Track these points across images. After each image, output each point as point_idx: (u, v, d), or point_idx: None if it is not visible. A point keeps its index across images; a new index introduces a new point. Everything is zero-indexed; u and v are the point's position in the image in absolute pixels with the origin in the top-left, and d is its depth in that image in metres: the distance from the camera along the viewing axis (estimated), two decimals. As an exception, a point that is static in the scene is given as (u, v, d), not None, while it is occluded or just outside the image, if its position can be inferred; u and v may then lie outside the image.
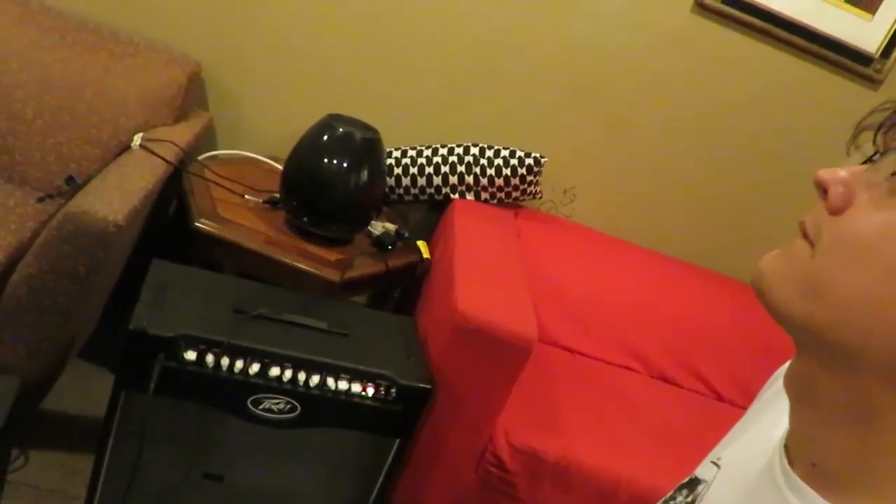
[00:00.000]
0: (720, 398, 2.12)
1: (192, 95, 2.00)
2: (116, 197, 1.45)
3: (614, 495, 1.61)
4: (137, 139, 1.73)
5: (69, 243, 1.38)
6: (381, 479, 1.52)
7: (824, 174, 0.45)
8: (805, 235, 0.46)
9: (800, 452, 0.48)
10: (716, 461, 0.59)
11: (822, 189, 0.45)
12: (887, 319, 0.41)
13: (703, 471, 0.60)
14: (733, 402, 2.11)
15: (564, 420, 1.73)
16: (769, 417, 0.57)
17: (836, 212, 0.44)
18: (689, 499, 0.58)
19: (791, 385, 0.49)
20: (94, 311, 1.68)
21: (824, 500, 0.45)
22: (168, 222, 1.99)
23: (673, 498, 0.60)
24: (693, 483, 0.59)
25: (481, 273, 1.66)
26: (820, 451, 0.46)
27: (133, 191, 1.51)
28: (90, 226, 1.36)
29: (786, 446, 0.50)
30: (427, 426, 1.54)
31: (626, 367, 2.09)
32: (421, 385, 1.43)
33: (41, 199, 1.69)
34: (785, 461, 0.48)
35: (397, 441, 1.48)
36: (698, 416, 1.97)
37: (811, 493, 0.46)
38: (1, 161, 1.78)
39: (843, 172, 0.45)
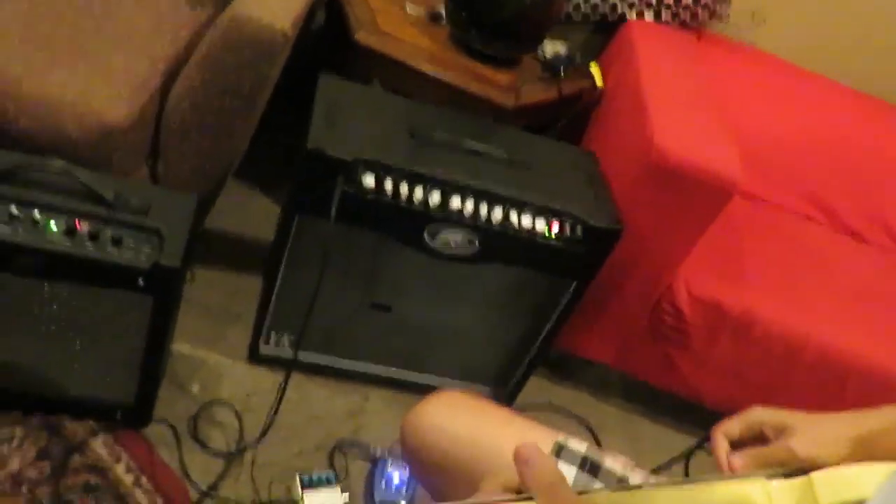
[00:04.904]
0: (912, 257, 1.90)
1: None
2: (278, 1, 1.30)
3: (799, 354, 1.49)
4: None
5: (233, 55, 1.26)
6: (551, 322, 1.44)
7: None
8: None
9: None
10: None
11: None
12: None
13: None
14: (928, 262, 1.89)
15: (748, 272, 1.58)
16: None
17: None
18: None
19: None
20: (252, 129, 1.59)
21: None
22: (313, 36, 1.84)
23: None
24: None
25: (675, 105, 1.46)
26: None
27: (294, -5, 1.35)
28: (256, 34, 1.23)
29: None
30: (603, 269, 1.42)
31: (808, 217, 1.88)
32: (610, 227, 1.29)
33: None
34: None
35: (574, 283, 1.38)
36: (890, 275, 1.77)
37: None
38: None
39: None
